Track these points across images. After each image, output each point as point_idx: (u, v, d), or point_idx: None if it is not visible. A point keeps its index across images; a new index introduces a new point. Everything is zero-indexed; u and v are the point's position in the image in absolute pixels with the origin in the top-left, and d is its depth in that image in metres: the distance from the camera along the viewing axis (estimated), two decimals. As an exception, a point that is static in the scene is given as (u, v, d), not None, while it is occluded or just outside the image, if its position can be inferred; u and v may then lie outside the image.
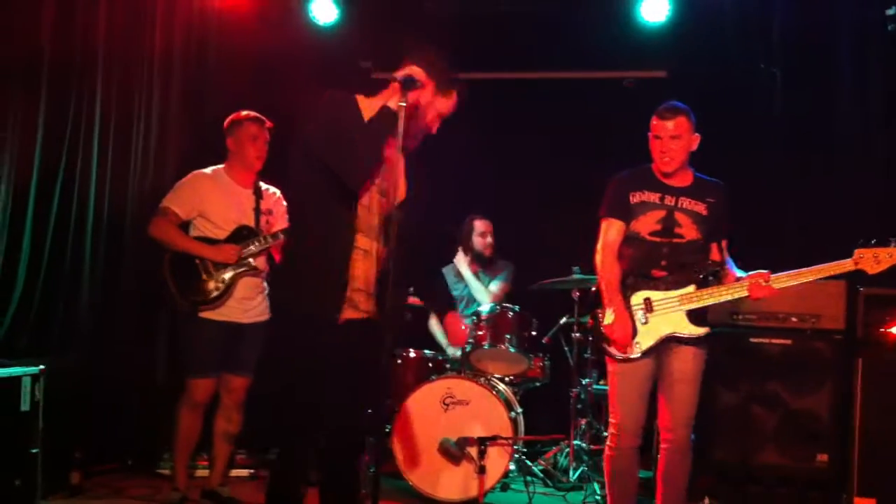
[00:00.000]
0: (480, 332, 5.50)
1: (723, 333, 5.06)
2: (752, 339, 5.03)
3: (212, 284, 4.66)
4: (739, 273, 4.04)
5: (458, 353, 5.71)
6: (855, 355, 4.88)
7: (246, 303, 4.75)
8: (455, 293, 6.23)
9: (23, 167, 4.76)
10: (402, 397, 5.17)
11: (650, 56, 6.67)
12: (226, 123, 4.87)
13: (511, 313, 5.56)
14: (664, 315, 4.03)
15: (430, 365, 5.58)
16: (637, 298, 4.07)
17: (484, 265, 6.21)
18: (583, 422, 5.69)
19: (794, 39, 5.99)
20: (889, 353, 4.86)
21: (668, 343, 4.04)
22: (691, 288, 4.01)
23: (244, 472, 5.47)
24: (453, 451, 4.92)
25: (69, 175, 5.11)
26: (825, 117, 5.90)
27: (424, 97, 3.42)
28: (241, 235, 4.74)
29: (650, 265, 4.09)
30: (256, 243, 4.72)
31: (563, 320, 5.61)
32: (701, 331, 4.02)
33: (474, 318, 5.60)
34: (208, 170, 4.86)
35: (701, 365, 4.08)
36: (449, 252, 6.34)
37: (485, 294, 6.03)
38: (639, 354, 4.04)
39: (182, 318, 4.71)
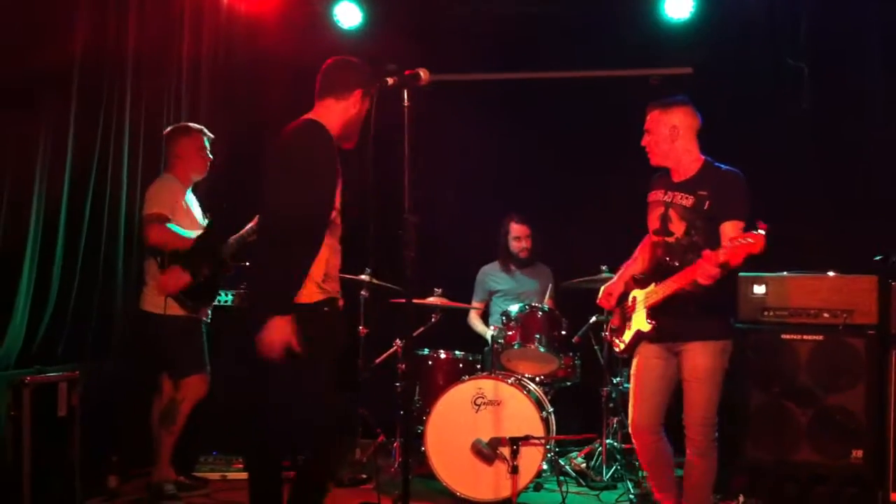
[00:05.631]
0: (510, 332, 5.51)
1: (753, 331, 5.05)
2: (784, 336, 4.99)
3: (202, 285, 4.93)
4: None
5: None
6: (888, 350, 4.84)
7: None
8: (502, 287, 6.28)
9: (55, 175, 4.81)
10: (433, 399, 5.20)
11: (675, 53, 6.65)
12: (169, 130, 5.11)
13: (541, 313, 5.57)
14: (637, 314, 4.17)
15: (461, 366, 5.60)
16: (629, 299, 4.26)
17: (520, 266, 6.26)
18: (614, 421, 5.67)
19: (821, 34, 5.93)
20: (923, 347, 4.83)
21: (676, 343, 4.03)
22: (651, 286, 4.09)
23: (244, 475, 5.46)
24: (486, 452, 4.92)
25: (100, 182, 5.15)
26: (854, 113, 5.84)
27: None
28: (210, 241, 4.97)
29: (647, 265, 4.26)
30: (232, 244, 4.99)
31: (593, 319, 5.57)
32: (647, 326, 4.05)
33: (504, 318, 5.62)
34: (164, 177, 5.05)
35: (713, 362, 3.95)
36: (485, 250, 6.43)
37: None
38: (622, 347, 4.25)
39: (171, 320, 4.86)
